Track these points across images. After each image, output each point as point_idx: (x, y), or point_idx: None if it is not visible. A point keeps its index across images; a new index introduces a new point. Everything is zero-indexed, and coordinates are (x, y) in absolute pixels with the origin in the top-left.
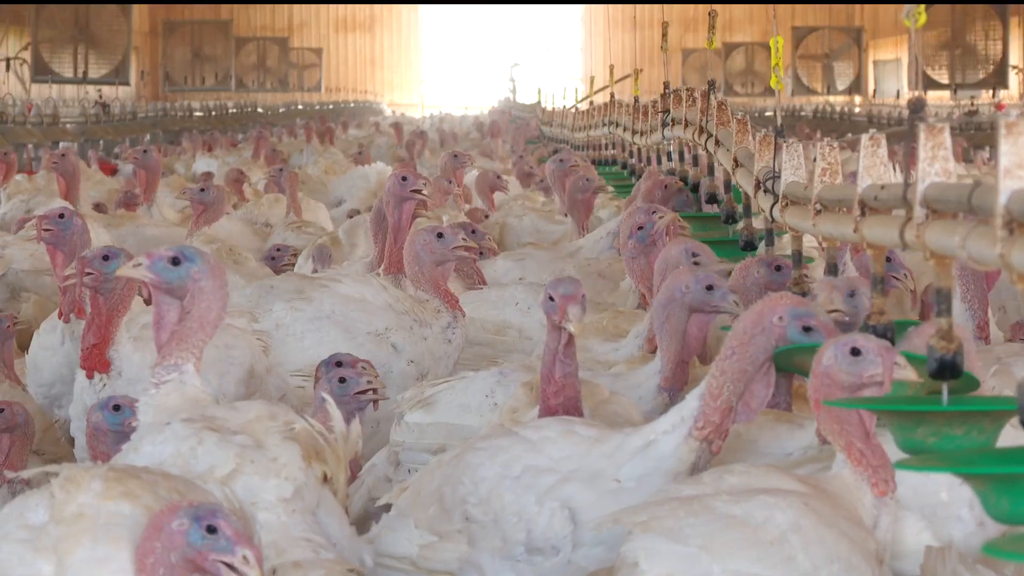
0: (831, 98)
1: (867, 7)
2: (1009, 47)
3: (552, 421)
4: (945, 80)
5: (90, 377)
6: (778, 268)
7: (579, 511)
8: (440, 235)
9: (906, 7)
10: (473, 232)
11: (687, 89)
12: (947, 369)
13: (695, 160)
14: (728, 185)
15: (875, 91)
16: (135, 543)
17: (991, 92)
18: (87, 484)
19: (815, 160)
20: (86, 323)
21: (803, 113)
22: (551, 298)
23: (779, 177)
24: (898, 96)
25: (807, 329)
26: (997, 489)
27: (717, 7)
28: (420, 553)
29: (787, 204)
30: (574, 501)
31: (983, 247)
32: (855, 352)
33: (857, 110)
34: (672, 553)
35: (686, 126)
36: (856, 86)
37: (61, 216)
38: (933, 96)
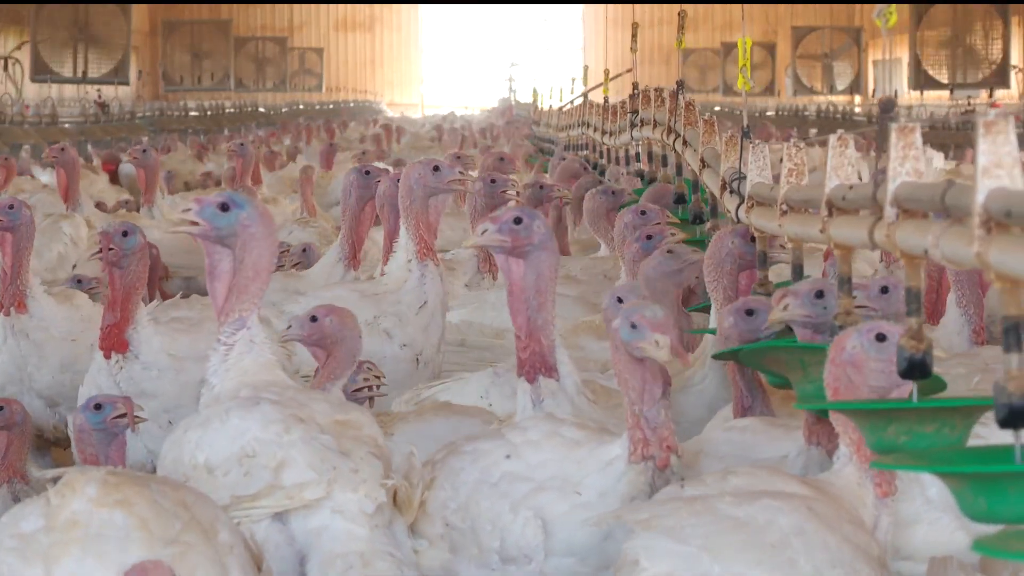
0: (832, 98)
1: (867, 7)
2: (1010, 47)
3: (541, 421)
4: (946, 79)
5: (107, 357)
6: (752, 239)
7: (551, 521)
8: (436, 168)
9: (877, 7)
10: (542, 188)
11: (655, 89)
12: (916, 368)
13: (664, 161)
14: (696, 185)
15: (874, 91)
16: (123, 556)
17: (989, 92)
18: (82, 489)
19: (782, 160)
20: (104, 303)
21: (807, 113)
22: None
23: (745, 178)
24: (896, 95)
25: (633, 326)
26: (974, 488)
27: (717, 7)
28: None
29: (752, 205)
30: (546, 511)
31: (958, 246)
32: (881, 338)
33: (857, 110)
34: (673, 552)
35: (655, 126)
36: (856, 86)
37: (11, 207)
38: (933, 96)
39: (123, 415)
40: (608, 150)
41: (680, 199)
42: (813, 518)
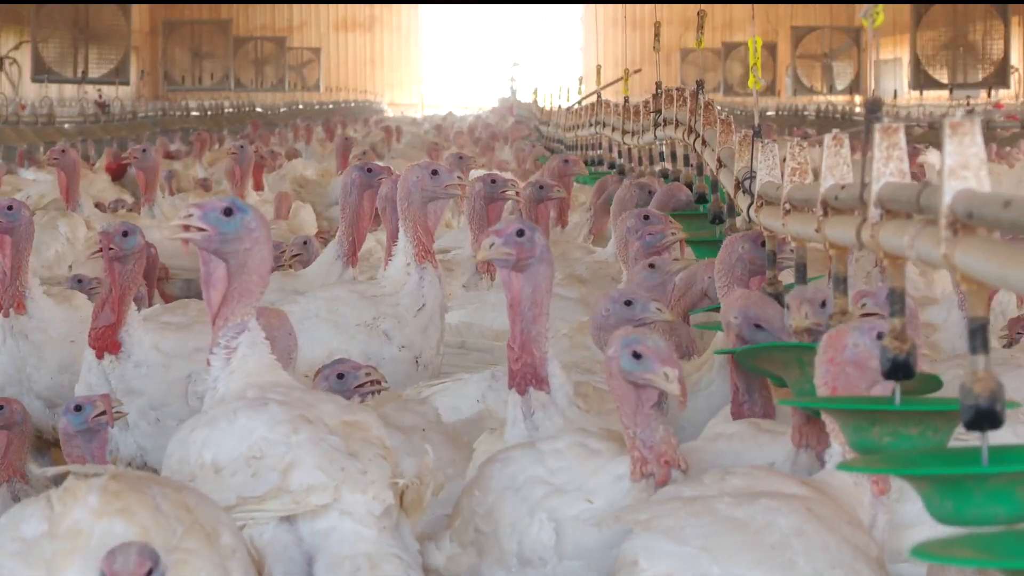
0: (832, 98)
1: (866, 7)
2: (1010, 47)
3: (568, 434)
4: (946, 80)
5: (100, 357)
6: (763, 244)
7: (563, 524)
8: (435, 172)
9: (864, 7)
10: (541, 188)
11: (677, 89)
12: (899, 369)
13: (686, 160)
14: (715, 185)
15: (874, 91)
16: None
17: (988, 92)
18: (83, 497)
19: (785, 160)
20: (99, 302)
21: (806, 113)
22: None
23: (756, 177)
24: (895, 96)
25: (636, 356)
26: (941, 491)
27: (716, 7)
28: (445, 564)
29: (762, 204)
30: (558, 513)
31: (928, 247)
32: (882, 336)
33: (858, 110)
34: (672, 553)
35: (676, 126)
36: (855, 86)
37: (10, 208)
38: (933, 96)
39: (103, 413)
40: (629, 150)
41: (701, 199)
42: (812, 519)
